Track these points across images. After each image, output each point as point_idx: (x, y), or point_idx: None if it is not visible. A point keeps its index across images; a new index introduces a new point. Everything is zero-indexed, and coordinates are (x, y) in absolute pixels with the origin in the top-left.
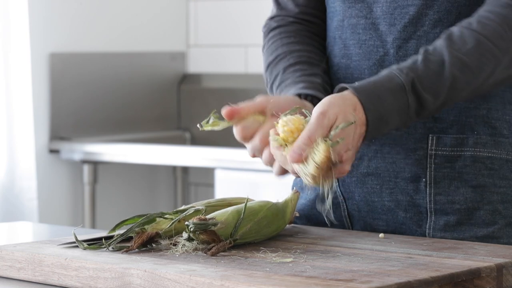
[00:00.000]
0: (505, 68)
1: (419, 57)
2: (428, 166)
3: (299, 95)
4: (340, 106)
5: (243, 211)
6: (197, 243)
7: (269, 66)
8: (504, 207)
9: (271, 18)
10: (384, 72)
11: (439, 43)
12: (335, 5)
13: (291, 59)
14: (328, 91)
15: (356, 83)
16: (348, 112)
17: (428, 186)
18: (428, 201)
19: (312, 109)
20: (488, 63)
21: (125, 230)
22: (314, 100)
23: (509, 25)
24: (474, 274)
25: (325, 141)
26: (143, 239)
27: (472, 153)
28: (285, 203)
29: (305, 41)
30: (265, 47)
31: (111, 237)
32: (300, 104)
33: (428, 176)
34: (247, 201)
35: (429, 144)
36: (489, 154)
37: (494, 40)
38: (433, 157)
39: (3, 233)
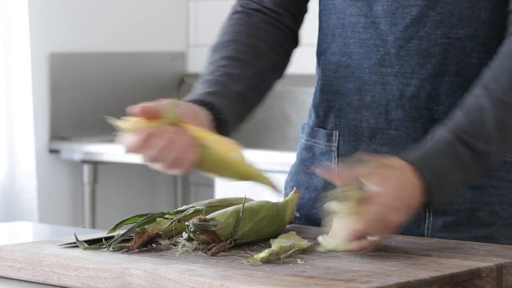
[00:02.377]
0: None
1: (460, 111)
2: None
3: (202, 101)
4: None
5: (241, 211)
6: (197, 243)
7: (211, 50)
8: (502, 209)
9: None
10: (433, 137)
11: (475, 91)
12: (335, 2)
13: (229, 51)
14: (247, 99)
15: (409, 155)
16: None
17: None
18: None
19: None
20: None
21: (125, 230)
22: (214, 109)
23: None
24: (474, 274)
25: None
26: (143, 239)
27: None
28: (285, 203)
29: (259, 35)
30: (222, 27)
31: (111, 237)
32: (197, 118)
33: None
34: (244, 201)
35: None
36: None
37: None
38: None
39: (3, 233)
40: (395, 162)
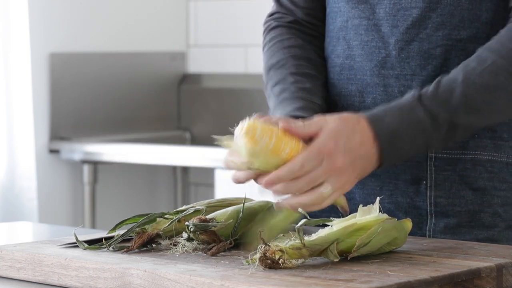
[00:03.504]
0: None
1: (437, 79)
2: (428, 168)
3: (296, 117)
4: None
5: (241, 211)
6: (197, 243)
7: (270, 69)
8: (504, 210)
9: (271, 15)
10: (401, 98)
11: (460, 65)
12: (339, 5)
13: (292, 68)
14: (325, 110)
15: (371, 111)
16: (349, 135)
17: (428, 189)
18: (428, 203)
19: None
20: (505, 81)
21: (125, 230)
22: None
23: None
24: (474, 274)
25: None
26: (143, 239)
27: (473, 156)
28: None
29: (306, 46)
30: (266, 47)
31: (111, 237)
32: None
33: (428, 179)
34: (244, 201)
35: None
36: (489, 157)
37: (511, 58)
38: (433, 159)
39: (3, 233)
40: (351, 115)
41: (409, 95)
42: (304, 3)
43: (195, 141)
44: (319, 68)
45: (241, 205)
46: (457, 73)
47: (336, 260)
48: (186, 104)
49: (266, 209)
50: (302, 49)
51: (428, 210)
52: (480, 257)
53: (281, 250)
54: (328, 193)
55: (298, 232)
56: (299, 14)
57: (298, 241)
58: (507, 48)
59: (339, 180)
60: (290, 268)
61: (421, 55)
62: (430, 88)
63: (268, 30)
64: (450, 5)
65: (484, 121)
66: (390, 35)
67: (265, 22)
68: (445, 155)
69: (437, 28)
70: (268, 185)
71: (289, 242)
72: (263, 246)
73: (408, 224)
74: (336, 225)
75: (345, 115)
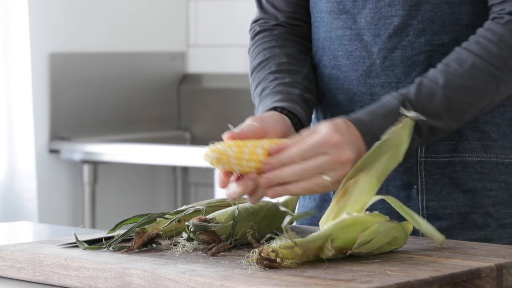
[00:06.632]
0: (510, 83)
1: (415, 82)
2: (418, 173)
3: (275, 108)
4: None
5: (236, 210)
6: (197, 243)
7: (252, 72)
8: (495, 210)
9: (255, 21)
10: (381, 100)
11: (437, 68)
12: (322, 15)
13: (272, 67)
14: (307, 100)
15: (352, 114)
16: (349, 141)
17: (420, 193)
18: (420, 207)
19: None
20: (486, 83)
21: (125, 230)
22: (290, 115)
23: (505, 43)
24: (474, 274)
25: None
26: (143, 239)
27: (462, 158)
28: (285, 203)
29: (287, 44)
30: (250, 51)
31: (111, 237)
32: (284, 124)
33: (419, 183)
34: (238, 202)
35: (419, 151)
36: (479, 159)
37: (490, 59)
38: (423, 164)
39: (3, 233)
40: (337, 121)
41: (393, 99)
42: (286, 7)
43: (195, 141)
44: (301, 62)
45: (242, 204)
46: (437, 74)
47: (331, 254)
48: (186, 104)
49: (266, 208)
50: (282, 47)
51: (421, 214)
52: (480, 257)
53: (273, 251)
54: (328, 183)
55: (287, 231)
56: (282, 18)
57: (289, 240)
58: (486, 49)
59: (340, 173)
60: (289, 267)
61: (404, 62)
62: (412, 91)
63: (252, 35)
64: (430, 11)
65: (464, 120)
66: (373, 44)
67: (250, 29)
68: (434, 159)
69: (418, 34)
70: (273, 167)
71: (279, 243)
72: (257, 248)
73: (409, 226)
74: (326, 223)
75: (329, 121)
